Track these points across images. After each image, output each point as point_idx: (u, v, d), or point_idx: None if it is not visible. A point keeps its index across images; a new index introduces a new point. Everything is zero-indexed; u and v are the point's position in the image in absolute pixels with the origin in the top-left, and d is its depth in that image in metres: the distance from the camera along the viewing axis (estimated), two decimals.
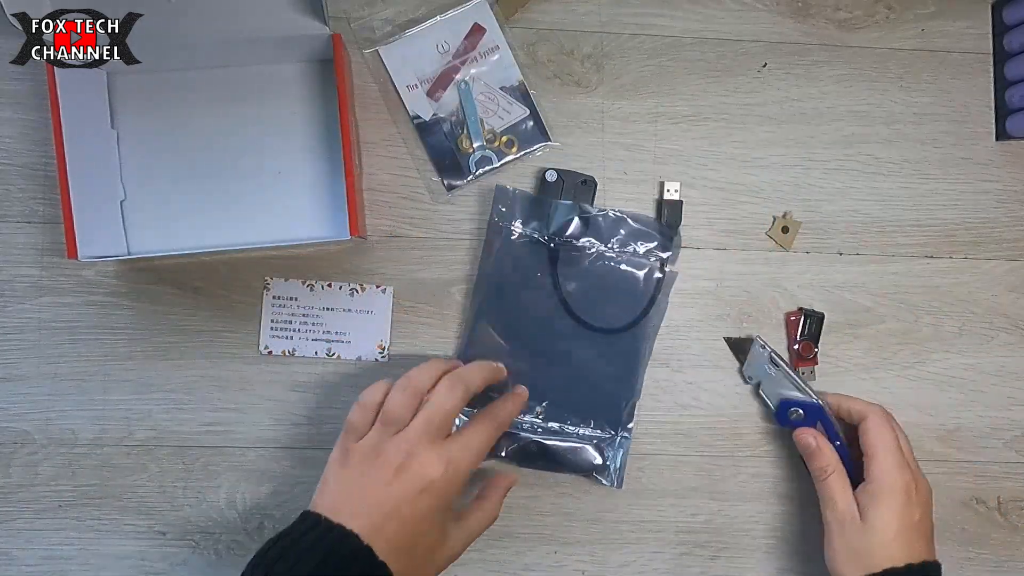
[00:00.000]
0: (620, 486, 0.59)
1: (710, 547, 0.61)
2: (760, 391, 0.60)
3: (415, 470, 0.48)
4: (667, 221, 0.60)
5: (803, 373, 0.60)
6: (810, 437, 0.57)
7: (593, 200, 0.60)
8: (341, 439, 0.51)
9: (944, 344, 0.62)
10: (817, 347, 0.61)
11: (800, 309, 0.61)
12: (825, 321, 0.61)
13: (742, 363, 0.60)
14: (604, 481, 0.59)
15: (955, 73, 0.64)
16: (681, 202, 0.61)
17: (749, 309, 0.61)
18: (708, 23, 0.62)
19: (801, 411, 0.58)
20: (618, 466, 0.59)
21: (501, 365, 0.56)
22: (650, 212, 0.61)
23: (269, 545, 0.47)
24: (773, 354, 0.59)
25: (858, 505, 0.54)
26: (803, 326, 0.60)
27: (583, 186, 0.60)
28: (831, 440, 0.57)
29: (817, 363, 0.61)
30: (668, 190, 0.60)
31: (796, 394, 0.58)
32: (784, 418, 0.58)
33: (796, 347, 0.61)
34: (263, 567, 0.46)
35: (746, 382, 0.60)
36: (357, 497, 0.48)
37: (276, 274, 0.59)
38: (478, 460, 0.51)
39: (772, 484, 0.61)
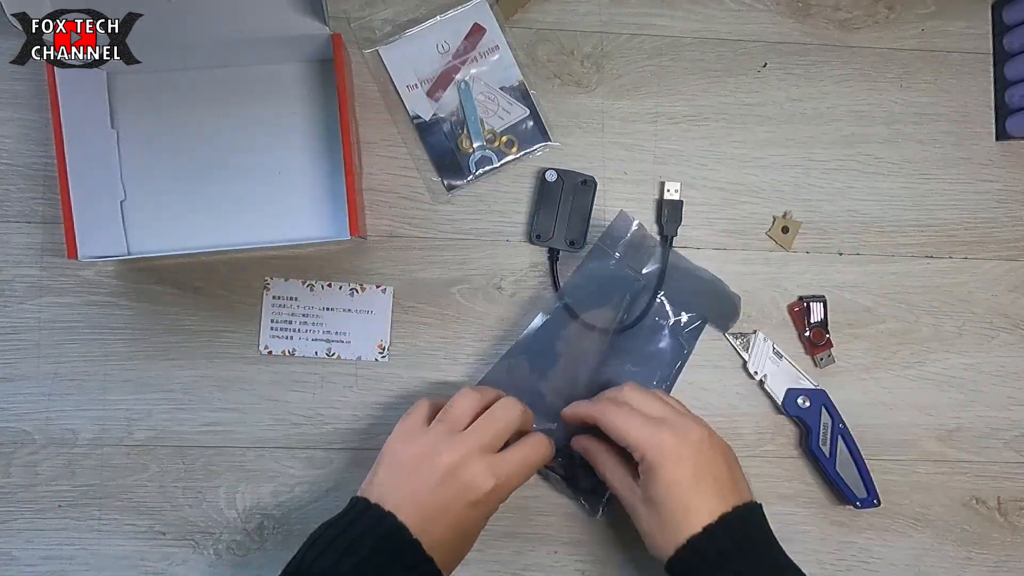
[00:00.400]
0: (597, 515, 0.59)
1: None
2: (765, 386, 0.60)
3: (465, 479, 0.48)
4: (667, 221, 0.60)
5: (821, 359, 0.61)
6: (584, 441, 0.55)
7: (593, 200, 0.60)
8: (400, 426, 0.52)
9: (944, 344, 0.62)
10: (828, 332, 0.61)
11: (801, 298, 0.61)
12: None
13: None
14: (585, 505, 0.59)
15: (955, 73, 0.64)
16: (681, 202, 0.61)
17: (749, 309, 0.61)
18: (708, 23, 0.62)
19: (807, 398, 0.59)
20: (604, 499, 0.58)
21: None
22: (650, 212, 0.61)
23: (319, 532, 0.48)
24: (775, 346, 0.60)
25: (638, 494, 0.51)
26: (809, 313, 0.61)
27: (583, 186, 0.60)
28: (833, 422, 0.59)
29: (832, 346, 0.61)
30: (668, 190, 0.60)
31: (802, 382, 0.60)
32: (793, 407, 0.59)
33: (807, 335, 0.61)
34: (312, 553, 0.47)
35: (751, 377, 0.61)
36: (407, 492, 0.48)
37: (276, 274, 0.60)
38: (524, 479, 0.51)
39: (772, 484, 0.61)
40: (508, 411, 0.51)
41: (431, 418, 0.52)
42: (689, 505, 0.48)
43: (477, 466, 0.48)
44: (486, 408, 0.52)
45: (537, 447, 0.52)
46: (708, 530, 0.48)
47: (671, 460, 0.49)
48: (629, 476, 0.52)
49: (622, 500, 0.52)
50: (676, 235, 0.60)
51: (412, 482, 0.48)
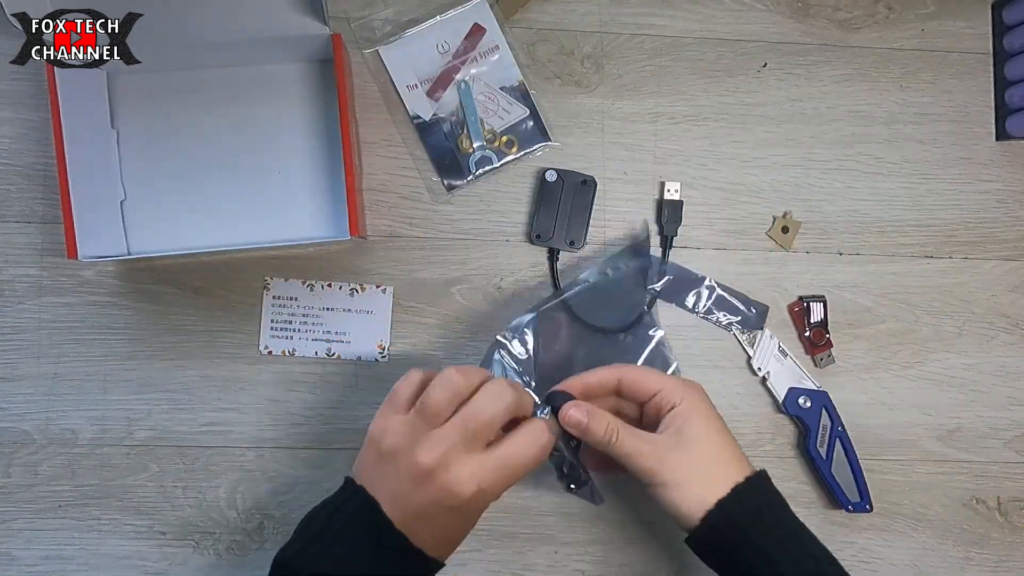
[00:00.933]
0: (599, 503, 0.56)
1: None
2: (768, 383, 0.60)
3: (444, 484, 0.43)
4: (667, 221, 0.60)
5: (821, 359, 0.61)
6: (575, 412, 0.47)
7: (593, 200, 0.60)
8: (384, 408, 0.47)
9: (944, 344, 0.62)
10: (828, 332, 0.61)
11: (801, 298, 0.61)
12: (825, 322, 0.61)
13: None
14: (593, 496, 0.58)
15: (955, 73, 0.64)
16: (681, 202, 0.61)
17: None
18: (708, 23, 0.62)
19: (808, 398, 0.59)
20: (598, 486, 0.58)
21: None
22: (650, 212, 0.61)
23: (311, 514, 0.46)
24: (780, 344, 0.60)
25: (666, 443, 0.47)
26: (809, 313, 0.61)
27: (583, 186, 0.60)
28: (832, 424, 0.59)
29: (832, 346, 0.61)
30: (668, 190, 0.60)
31: (804, 382, 0.60)
32: (793, 406, 0.59)
33: (807, 335, 0.61)
34: (302, 540, 0.45)
35: (754, 374, 0.61)
36: (388, 488, 0.44)
37: (276, 274, 0.60)
38: (518, 479, 0.45)
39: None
40: (494, 400, 0.44)
41: (418, 395, 0.45)
42: (719, 459, 0.48)
43: (457, 468, 0.43)
44: (474, 392, 0.45)
45: (532, 440, 0.45)
46: (736, 491, 0.46)
47: (703, 414, 0.49)
48: (643, 430, 0.48)
49: (639, 455, 0.46)
50: (676, 235, 0.60)
51: (391, 478, 0.44)
